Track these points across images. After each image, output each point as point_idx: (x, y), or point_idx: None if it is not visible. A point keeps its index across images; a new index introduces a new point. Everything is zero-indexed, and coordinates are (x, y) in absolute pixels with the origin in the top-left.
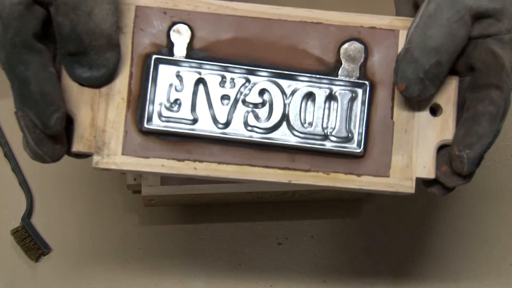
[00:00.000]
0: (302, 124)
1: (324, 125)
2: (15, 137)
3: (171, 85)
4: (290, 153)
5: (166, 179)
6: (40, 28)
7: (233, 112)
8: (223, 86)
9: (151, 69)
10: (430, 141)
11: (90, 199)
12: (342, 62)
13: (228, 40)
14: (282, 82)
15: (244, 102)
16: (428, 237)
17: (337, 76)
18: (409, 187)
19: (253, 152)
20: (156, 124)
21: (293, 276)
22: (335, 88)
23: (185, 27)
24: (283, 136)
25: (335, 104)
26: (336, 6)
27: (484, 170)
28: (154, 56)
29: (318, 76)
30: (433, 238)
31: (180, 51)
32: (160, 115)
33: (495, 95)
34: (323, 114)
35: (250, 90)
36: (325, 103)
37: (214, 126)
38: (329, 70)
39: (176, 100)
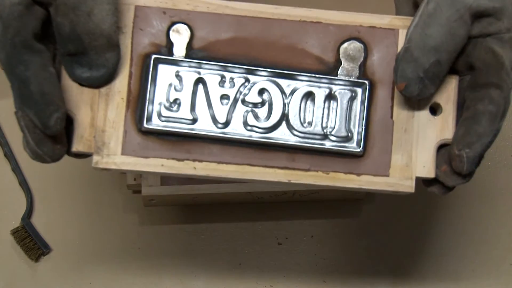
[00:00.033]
0: (302, 124)
1: (324, 125)
2: (15, 137)
3: (170, 85)
4: (289, 153)
5: (166, 179)
6: (40, 28)
7: (233, 111)
8: (222, 86)
9: (151, 69)
10: (430, 141)
11: (90, 199)
12: (342, 61)
13: (228, 39)
14: (282, 81)
15: (243, 101)
16: (428, 237)
17: (336, 75)
18: (409, 186)
19: (253, 152)
20: (156, 124)
21: (293, 276)
22: (334, 88)
23: (185, 26)
24: (282, 135)
25: (335, 104)
26: (336, 6)
27: (484, 170)
28: (153, 56)
29: (317, 75)
30: (433, 238)
31: (179, 51)
32: (159, 115)
33: (495, 94)
34: (323, 114)
35: (249, 89)
36: (324, 102)
37: (214, 125)
38: (329, 70)
39: (175, 100)
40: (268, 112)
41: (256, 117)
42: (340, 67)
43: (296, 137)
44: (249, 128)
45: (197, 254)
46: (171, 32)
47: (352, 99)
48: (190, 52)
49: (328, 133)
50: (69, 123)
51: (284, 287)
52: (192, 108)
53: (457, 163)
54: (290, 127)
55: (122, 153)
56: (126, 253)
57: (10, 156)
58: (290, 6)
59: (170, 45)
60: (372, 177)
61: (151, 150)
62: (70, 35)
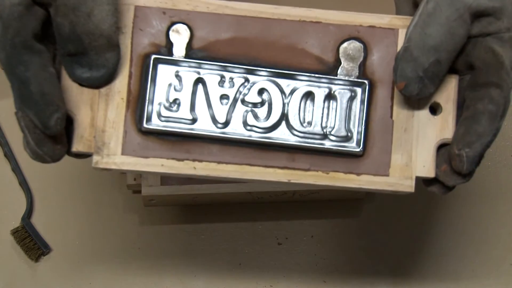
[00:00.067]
0: (301, 124)
1: (324, 125)
2: (15, 137)
3: (170, 85)
4: (289, 153)
5: (166, 179)
6: (40, 29)
7: (232, 111)
8: (222, 86)
9: (150, 69)
10: (429, 140)
11: (90, 199)
12: (341, 61)
13: (227, 39)
14: (281, 81)
15: (243, 101)
16: (428, 237)
17: (336, 75)
18: (408, 186)
19: (253, 152)
20: (156, 124)
21: (293, 276)
22: (334, 87)
23: (184, 27)
24: (282, 135)
25: (334, 103)
26: (336, 6)
27: (484, 170)
28: (153, 56)
29: (317, 75)
30: (433, 238)
31: (179, 51)
32: (159, 115)
33: (494, 94)
34: (322, 114)
35: (249, 89)
36: (324, 102)
37: (213, 125)
38: (328, 69)
39: (175, 100)
40: (267, 112)
41: (255, 117)
42: (340, 67)
43: (295, 137)
44: (248, 128)
45: (197, 254)
46: (170, 32)
47: (351, 98)
48: (190, 52)
49: (327, 132)
50: (69, 123)
51: (284, 287)
52: (192, 108)
53: (457, 162)
54: (289, 127)
55: (122, 153)
56: (126, 253)
57: (10, 156)
58: (290, 6)
59: (169, 45)
60: (372, 177)
61: (151, 150)
62: (70, 35)
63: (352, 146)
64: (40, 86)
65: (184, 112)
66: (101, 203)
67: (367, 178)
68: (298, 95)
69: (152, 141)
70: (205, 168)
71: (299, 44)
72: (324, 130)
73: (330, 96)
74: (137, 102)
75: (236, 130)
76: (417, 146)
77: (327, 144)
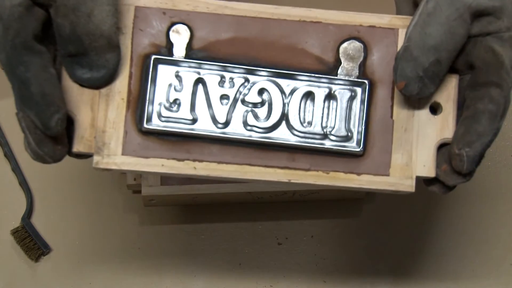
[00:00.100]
0: (302, 124)
1: (324, 124)
2: (15, 137)
3: (170, 85)
4: (289, 153)
5: (166, 179)
6: (40, 30)
7: (233, 111)
8: (222, 86)
9: (151, 69)
10: (430, 140)
11: (90, 199)
12: (342, 61)
13: (227, 40)
14: (281, 81)
15: (243, 101)
16: (428, 237)
17: (336, 75)
18: (409, 185)
19: (253, 152)
20: (156, 124)
21: (293, 276)
22: (334, 87)
23: (184, 27)
24: (282, 135)
25: (335, 103)
26: (336, 6)
27: (484, 170)
28: (153, 57)
29: (317, 75)
30: (433, 238)
31: (179, 51)
32: (159, 115)
33: (495, 93)
34: (323, 113)
35: (249, 89)
36: (324, 102)
37: (214, 125)
38: (329, 69)
39: (175, 100)
40: (268, 112)
41: (256, 117)
42: (340, 67)
43: (296, 136)
44: (249, 128)
45: (197, 254)
46: (171, 33)
47: (352, 98)
48: (190, 52)
49: (328, 132)
50: (69, 123)
51: (284, 287)
52: (192, 108)
53: (457, 162)
54: (290, 127)
55: (123, 153)
56: (126, 253)
57: (10, 156)
58: (289, 6)
59: (170, 45)
60: (372, 177)
61: (151, 150)
62: (71, 36)
63: (352, 146)
64: (40, 87)
65: (184, 112)
66: (101, 203)
67: (368, 178)
68: (298, 95)
69: (152, 141)
70: (206, 168)
71: (299, 44)
72: (324, 130)
73: (330, 96)
74: (138, 103)
75: (236, 130)
76: (417, 145)
77: (327, 144)
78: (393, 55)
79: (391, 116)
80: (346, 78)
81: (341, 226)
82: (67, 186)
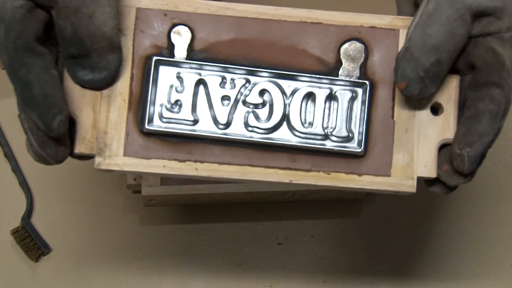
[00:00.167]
0: (303, 124)
1: (325, 125)
2: (15, 137)
3: (171, 86)
4: (290, 153)
5: (166, 179)
6: (42, 31)
7: (234, 112)
8: (223, 87)
9: (152, 71)
10: (431, 140)
11: (90, 199)
12: (342, 62)
13: (228, 41)
14: (282, 82)
15: (244, 102)
16: (428, 237)
17: (337, 76)
18: (410, 186)
19: (254, 153)
20: (157, 125)
21: (293, 276)
22: (335, 88)
23: (186, 28)
24: (283, 136)
25: (335, 104)
26: (336, 7)
27: (484, 170)
28: (154, 58)
29: (318, 76)
30: (433, 238)
31: (180, 52)
32: (161, 116)
33: (495, 93)
34: (324, 114)
35: (250, 90)
36: (325, 103)
37: (215, 126)
38: (329, 70)
39: (176, 101)
40: (269, 112)
41: (257, 117)
42: (341, 68)
43: (297, 137)
44: (250, 128)
45: (197, 254)
46: (172, 34)
47: (352, 99)
48: (191, 53)
49: (329, 133)
50: (71, 125)
51: (284, 287)
52: (193, 109)
53: (458, 162)
54: (291, 127)
55: (124, 155)
56: (126, 253)
57: (10, 156)
58: (290, 7)
59: (171, 46)
60: (374, 177)
61: (152, 151)
62: (72, 37)
63: (353, 146)
64: (42, 88)
65: (185, 113)
66: (101, 203)
67: (369, 179)
68: (299, 96)
69: (153, 142)
70: (207, 169)
71: (300, 45)
72: (325, 131)
73: (331, 97)
74: (139, 104)
75: (237, 131)
76: (418, 146)
77: (328, 144)
78: (394, 55)
79: (392, 117)
80: (347, 79)
81: (341, 226)
82: (67, 186)
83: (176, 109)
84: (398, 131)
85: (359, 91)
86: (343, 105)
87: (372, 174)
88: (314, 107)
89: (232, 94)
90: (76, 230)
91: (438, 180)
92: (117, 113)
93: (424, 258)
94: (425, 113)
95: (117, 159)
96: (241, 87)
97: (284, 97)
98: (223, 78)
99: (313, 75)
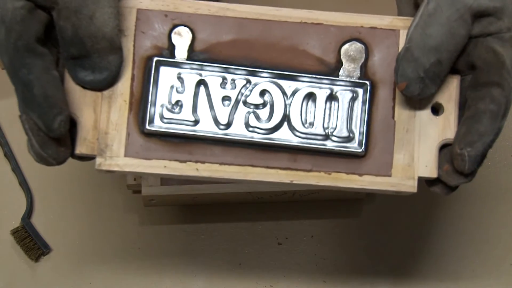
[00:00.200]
0: (303, 124)
1: (325, 125)
2: (15, 137)
3: (172, 86)
4: (291, 153)
5: (166, 179)
6: (42, 32)
7: (234, 113)
8: (224, 87)
9: (153, 71)
10: (432, 140)
11: (90, 199)
12: (343, 62)
13: (229, 41)
14: (283, 82)
15: (245, 103)
16: (428, 237)
17: (337, 76)
18: (411, 186)
19: (255, 153)
20: (158, 125)
21: (293, 276)
22: (335, 88)
23: (186, 29)
24: (284, 136)
25: (336, 104)
26: (337, 7)
27: (484, 170)
28: (155, 59)
29: (318, 76)
30: (433, 238)
31: (181, 53)
32: (161, 117)
33: (496, 93)
34: (324, 114)
35: (251, 91)
36: (326, 103)
37: (216, 127)
38: (330, 71)
39: (177, 102)
40: (269, 113)
41: (257, 118)
42: (341, 68)
43: (297, 137)
44: (250, 129)
45: (197, 254)
46: (172, 35)
47: (353, 99)
48: (192, 54)
49: (329, 133)
50: (72, 126)
51: (284, 287)
52: (194, 109)
53: (459, 162)
54: (291, 128)
55: (125, 155)
56: (126, 253)
57: (10, 156)
58: (291, 8)
59: (171, 47)
60: (374, 177)
61: (153, 151)
62: (73, 38)
63: (354, 146)
64: (43, 89)
65: (186, 113)
66: (101, 203)
67: (369, 179)
68: (299, 96)
69: (154, 143)
70: (208, 170)
71: (300, 45)
72: (326, 131)
73: (331, 97)
74: (140, 104)
75: (238, 131)
76: (419, 146)
77: (329, 144)
78: (394, 56)
79: (393, 117)
80: (348, 79)
81: (341, 226)
82: (67, 186)
83: (177, 110)
84: (398, 131)
85: (360, 91)
86: (344, 105)
87: (372, 174)
88: (315, 107)
89: (233, 94)
90: (76, 230)
91: (439, 180)
92: (118, 114)
93: (424, 258)
94: (425, 113)
95: (118, 159)
96: (241, 88)
97: (285, 97)
98: (224, 78)
99: (314, 76)
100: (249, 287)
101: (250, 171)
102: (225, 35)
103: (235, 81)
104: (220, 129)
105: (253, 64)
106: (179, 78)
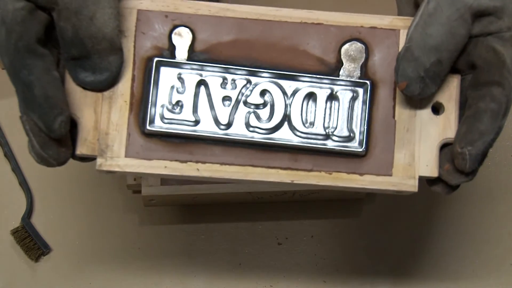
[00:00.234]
0: (304, 124)
1: (326, 125)
2: (15, 137)
3: (172, 87)
4: (292, 153)
5: (166, 179)
6: (43, 33)
7: (235, 113)
8: (224, 88)
9: (153, 72)
10: (432, 140)
11: (90, 199)
12: (343, 62)
13: (229, 42)
14: (283, 82)
15: (245, 103)
16: (428, 237)
17: (338, 76)
18: (412, 185)
19: (255, 153)
20: (159, 126)
21: (293, 276)
22: (336, 88)
23: (186, 29)
24: (284, 136)
25: (336, 104)
26: (337, 7)
27: (485, 170)
28: (156, 59)
29: (319, 76)
30: (433, 238)
31: (181, 53)
32: (162, 117)
33: (496, 92)
34: (325, 114)
35: (251, 91)
36: (326, 103)
37: (216, 127)
38: (330, 70)
39: (178, 102)
40: (270, 113)
41: (258, 118)
42: (342, 68)
43: (298, 137)
44: (251, 129)
45: (197, 254)
46: (173, 35)
47: (353, 99)
48: (192, 54)
49: (330, 133)
50: (73, 126)
51: (284, 287)
52: (195, 110)
53: (460, 161)
54: (292, 127)
55: (126, 156)
56: (126, 253)
57: (10, 156)
58: (291, 8)
59: (172, 48)
60: (375, 177)
61: (154, 152)
62: (73, 39)
63: (354, 146)
64: (43, 90)
65: (186, 114)
66: (101, 203)
67: (370, 178)
68: (300, 96)
69: (155, 143)
70: (208, 170)
71: (300, 45)
72: (327, 131)
73: (332, 97)
74: (140, 105)
75: (238, 131)
76: (419, 145)
77: (330, 144)
78: (394, 55)
79: (393, 116)
80: (348, 79)
81: (341, 226)
82: (67, 186)
83: (177, 110)
84: (399, 131)
85: (360, 91)
86: (344, 105)
87: (373, 173)
88: (315, 107)
89: (233, 94)
90: (76, 230)
91: (439, 180)
92: (118, 114)
93: (424, 258)
94: (426, 113)
95: (119, 160)
96: (242, 88)
97: (285, 97)
98: (224, 78)
99: (314, 75)
100: (249, 287)
101: (250, 171)
102: (226, 36)
103: (236, 81)
104: (220, 129)
105: (253, 64)
106: (180, 78)
